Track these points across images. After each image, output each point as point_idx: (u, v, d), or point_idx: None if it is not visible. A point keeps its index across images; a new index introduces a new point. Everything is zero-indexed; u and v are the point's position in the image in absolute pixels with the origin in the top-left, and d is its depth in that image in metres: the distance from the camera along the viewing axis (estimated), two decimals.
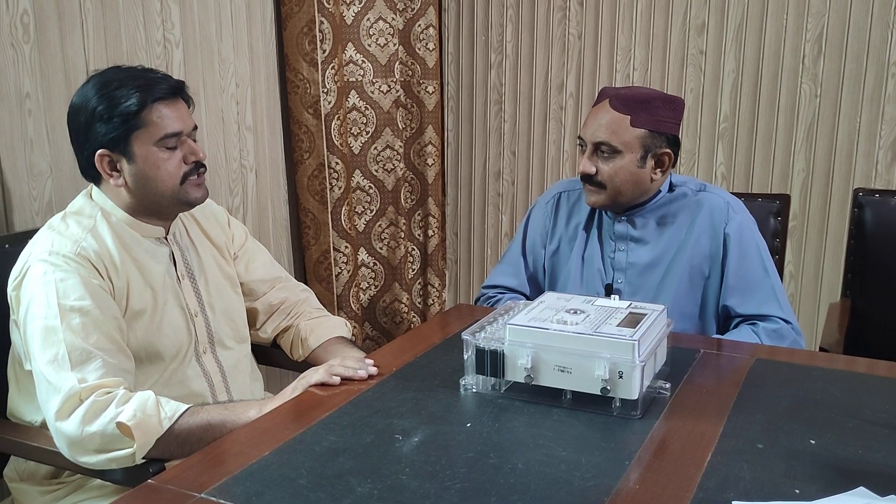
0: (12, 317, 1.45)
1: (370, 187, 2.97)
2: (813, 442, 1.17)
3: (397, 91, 2.96)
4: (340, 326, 1.77)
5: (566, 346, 1.28)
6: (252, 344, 1.74)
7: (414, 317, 3.20)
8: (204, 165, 1.51)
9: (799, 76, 2.63)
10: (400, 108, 3.00)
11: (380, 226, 3.02)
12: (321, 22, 2.62)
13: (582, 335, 1.27)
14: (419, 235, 3.20)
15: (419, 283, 3.24)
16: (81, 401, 1.30)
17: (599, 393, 1.26)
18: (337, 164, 2.75)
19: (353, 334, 2.32)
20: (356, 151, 2.91)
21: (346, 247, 2.84)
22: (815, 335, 2.64)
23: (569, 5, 2.92)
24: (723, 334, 1.77)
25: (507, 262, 1.98)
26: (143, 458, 1.31)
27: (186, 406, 1.35)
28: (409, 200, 3.13)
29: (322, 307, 1.84)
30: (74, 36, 1.94)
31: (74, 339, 1.34)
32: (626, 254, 1.81)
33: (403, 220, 3.05)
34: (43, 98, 1.87)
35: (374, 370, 1.42)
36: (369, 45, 2.85)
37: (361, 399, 1.33)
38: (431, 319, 2.61)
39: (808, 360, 1.54)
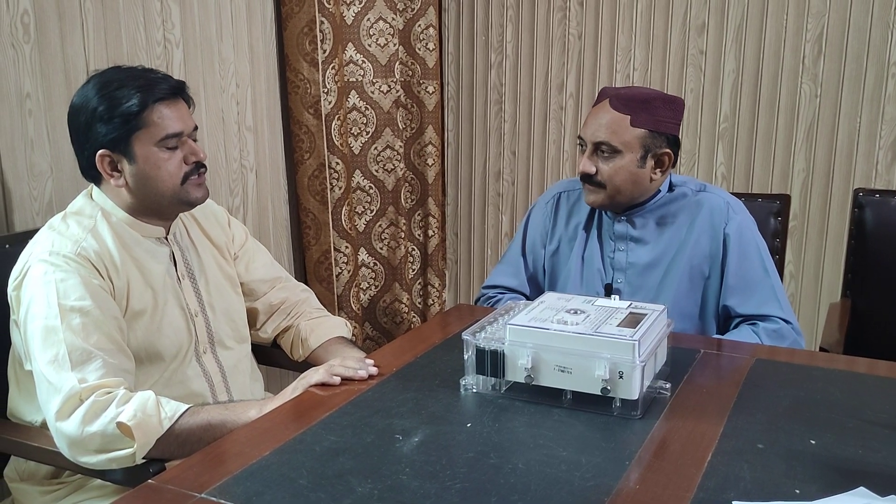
0: (12, 317, 1.45)
1: (370, 187, 2.97)
2: (813, 442, 1.17)
3: (397, 91, 2.96)
4: (341, 326, 1.77)
5: (566, 346, 1.28)
6: (252, 344, 1.74)
7: (414, 317, 3.20)
8: (204, 166, 1.51)
9: (799, 76, 2.63)
10: (400, 109, 3.00)
11: (380, 226, 3.02)
12: (321, 22, 2.62)
13: (582, 335, 1.27)
14: (419, 235, 3.20)
15: (419, 284, 3.24)
16: (82, 401, 1.30)
17: (600, 393, 1.26)
18: (337, 164, 2.75)
19: (353, 334, 2.32)
20: (356, 151, 2.91)
21: (347, 247, 2.84)
22: (816, 335, 2.64)
23: (569, 5, 2.92)
24: (723, 334, 1.77)
25: (506, 263, 1.98)
26: (143, 458, 1.31)
27: (187, 406, 1.35)
28: (409, 200, 3.13)
29: (322, 307, 1.84)
30: (75, 36, 1.94)
31: (75, 339, 1.34)
32: (626, 254, 1.81)
33: (403, 221, 3.05)
34: (43, 98, 1.87)
35: (374, 370, 1.42)
36: (369, 46, 2.85)
37: (362, 399, 1.33)
38: (432, 319, 2.61)
39: (809, 361, 1.54)
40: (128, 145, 1.43)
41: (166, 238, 1.56)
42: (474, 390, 1.35)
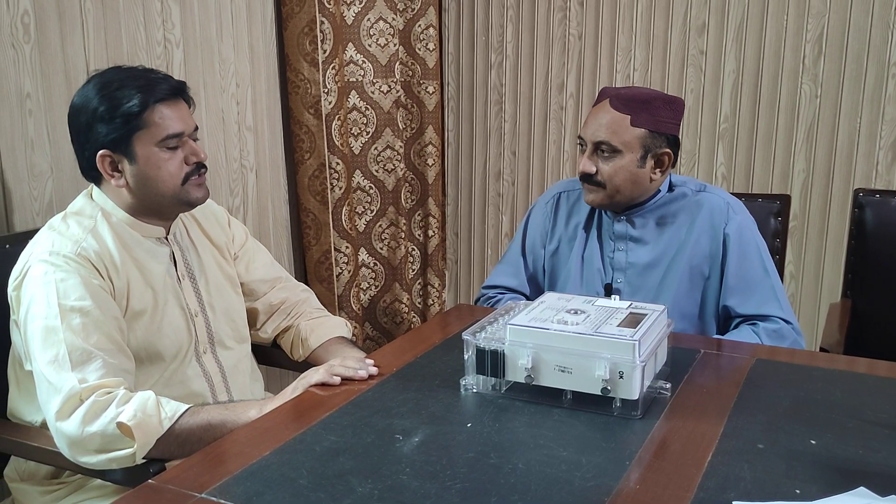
0: (13, 317, 1.45)
1: (370, 187, 2.97)
2: (813, 442, 1.17)
3: (398, 91, 2.96)
4: (341, 326, 1.77)
5: (567, 346, 1.28)
6: (252, 344, 1.74)
7: (414, 317, 3.20)
8: (205, 166, 1.51)
9: (799, 77, 2.63)
10: (400, 109, 3.00)
11: (380, 226, 3.02)
12: (322, 22, 2.62)
13: (582, 335, 1.27)
14: (419, 235, 3.20)
15: (419, 284, 3.24)
16: (82, 401, 1.30)
17: (600, 393, 1.26)
18: (338, 164, 2.75)
19: (353, 334, 2.32)
20: (356, 152, 2.91)
21: (347, 247, 2.84)
22: (816, 335, 2.64)
23: (569, 6, 2.92)
24: (723, 334, 1.77)
25: (506, 263, 1.98)
26: (143, 458, 1.31)
27: (187, 406, 1.35)
28: (409, 200, 3.13)
29: (322, 307, 1.84)
30: (75, 36, 1.94)
31: (75, 339, 1.34)
32: (626, 254, 1.81)
33: (404, 221, 3.05)
34: (43, 98, 1.87)
35: (374, 370, 1.42)
36: (370, 46, 2.85)
37: (362, 399, 1.33)
38: (432, 320, 2.61)
39: (809, 361, 1.54)
40: (128, 145, 1.43)
41: (166, 238, 1.56)
42: (474, 390, 1.35)
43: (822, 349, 1.91)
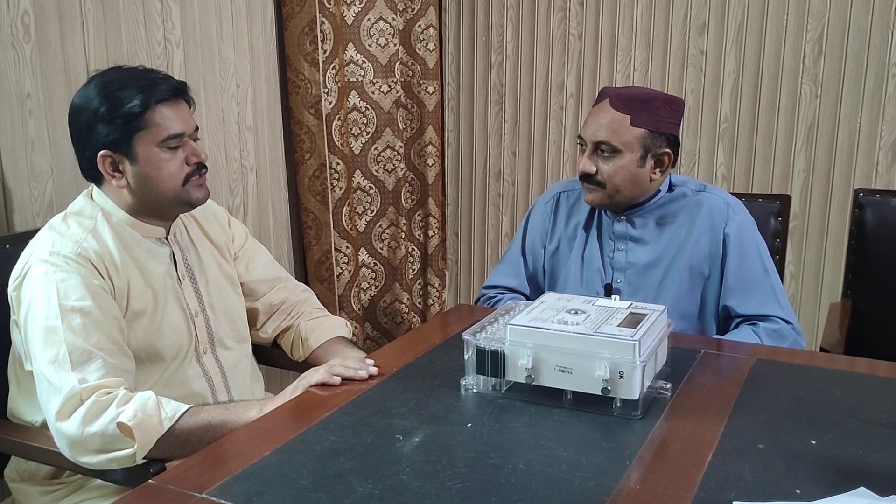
0: (13, 317, 1.45)
1: (371, 188, 2.97)
2: (814, 442, 1.17)
3: (398, 91, 2.96)
4: (341, 326, 1.77)
5: (567, 346, 1.28)
6: (252, 344, 1.74)
7: (414, 317, 3.20)
8: (206, 166, 1.52)
9: (799, 77, 2.63)
10: (400, 109, 3.00)
11: (380, 226, 3.02)
12: (322, 22, 2.62)
13: (583, 335, 1.27)
14: (419, 236, 3.20)
15: (419, 284, 3.24)
16: (82, 401, 1.30)
17: (600, 393, 1.26)
18: (338, 164, 2.75)
19: (353, 335, 2.32)
20: (357, 152, 2.91)
21: (348, 247, 2.84)
22: (816, 335, 2.64)
23: (569, 6, 2.92)
24: (723, 335, 1.77)
25: (506, 263, 1.98)
26: (143, 458, 1.31)
27: (187, 406, 1.35)
28: (409, 201, 3.13)
29: (322, 307, 1.84)
30: (75, 36, 1.94)
31: (75, 339, 1.34)
32: (626, 253, 1.81)
33: (404, 221, 3.05)
34: (44, 98, 1.87)
35: (374, 370, 1.42)
36: (370, 46, 2.85)
37: (362, 399, 1.33)
38: (432, 320, 2.61)
39: (809, 361, 1.54)
40: (129, 146, 1.43)
41: (166, 238, 1.56)
42: (475, 390, 1.35)
43: (822, 349, 1.91)
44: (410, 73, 3.01)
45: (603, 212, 1.84)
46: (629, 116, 1.70)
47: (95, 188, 1.51)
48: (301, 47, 2.60)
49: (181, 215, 1.59)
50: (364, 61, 2.84)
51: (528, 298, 1.93)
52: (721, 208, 1.78)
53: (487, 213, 3.24)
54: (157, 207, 1.50)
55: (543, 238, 1.92)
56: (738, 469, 1.09)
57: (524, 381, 1.31)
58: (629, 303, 1.42)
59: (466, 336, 1.36)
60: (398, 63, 2.95)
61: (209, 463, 1.13)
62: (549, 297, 1.47)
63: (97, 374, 1.33)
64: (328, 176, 2.74)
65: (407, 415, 1.26)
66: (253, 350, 1.74)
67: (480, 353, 1.34)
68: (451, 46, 3.16)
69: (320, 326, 1.74)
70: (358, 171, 2.93)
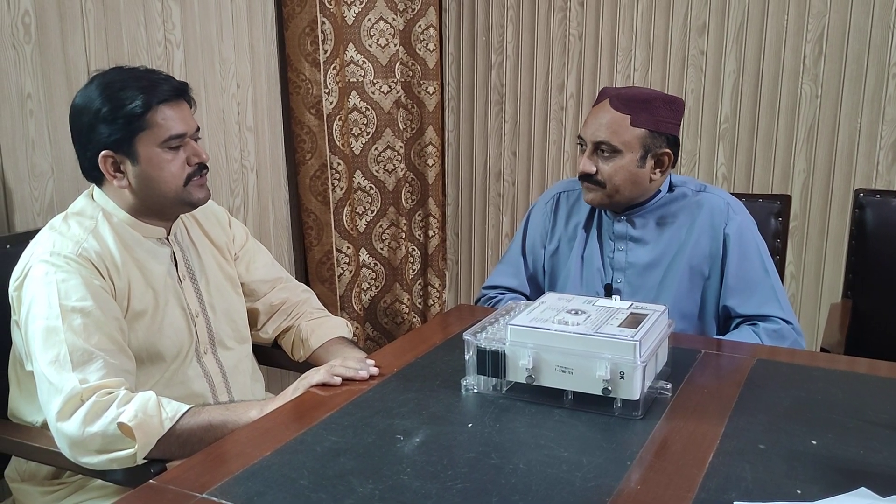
0: (13, 317, 1.45)
1: (371, 188, 2.97)
2: (814, 442, 1.17)
3: (398, 91, 2.96)
4: (341, 327, 1.77)
5: (567, 346, 1.28)
6: (253, 344, 1.74)
7: (414, 317, 3.20)
8: (207, 167, 1.52)
9: (800, 77, 2.63)
10: (400, 109, 3.00)
11: (380, 226, 3.02)
12: (322, 22, 2.62)
13: (583, 335, 1.27)
14: (420, 236, 3.20)
15: (420, 284, 3.24)
16: (83, 401, 1.30)
17: (601, 393, 1.26)
18: (339, 164, 2.75)
19: (354, 335, 2.32)
20: (357, 152, 2.91)
21: (348, 247, 2.84)
22: (816, 336, 2.64)
23: (569, 6, 2.93)
24: (723, 335, 1.77)
25: (507, 263, 1.98)
26: (144, 458, 1.31)
27: (188, 406, 1.35)
28: (409, 201, 3.13)
29: (323, 307, 1.84)
30: (76, 36, 1.94)
31: (76, 339, 1.34)
32: (626, 254, 1.81)
33: (404, 221, 3.05)
34: (44, 99, 1.87)
35: (375, 370, 1.42)
36: (370, 46, 2.85)
37: (362, 399, 1.33)
38: (432, 320, 2.61)
39: (810, 361, 1.54)
40: (131, 146, 1.43)
41: (167, 238, 1.56)
42: (475, 391, 1.35)
43: (822, 349, 1.91)
44: (411, 73, 3.01)
45: (603, 212, 1.84)
46: (629, 116, 1.70)
47: (96, 188, 1.51)
48: (302, 47, 2.60)
49: (182, 216, 1.59)
50: (364, 61, 2.84)
51: (528, 299, 1.93)
52: (721, 208, 1.78)
53: (487, 213, 3.24)
54: (159, 208, 1.50)
55: (543, 238, 1.92)
56: (739, 469, 1.09)
57: (525, 382, 1.31)
58: (630, 303, 1.42)
59: (467, 336, 1.36)
60: (398, 63, 2.95)
61: (210, 463, 1.13)
62: (549, 298, 1.47)
63: (98, 374, 1.33)
64: (329, 176, 2.74)
65: (408, 415, 1.26)
66: (253, 350, 1.74)
67: (481, 353, 1.34)
68: (451, 47, 3.16)
69: (321, 327, 1.74)
70: (358, 172, 2.93)
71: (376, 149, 2.95)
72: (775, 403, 1.31)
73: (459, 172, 3.26)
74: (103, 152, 1.43)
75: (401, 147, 2.99)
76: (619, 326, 1.30)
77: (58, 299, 1.35)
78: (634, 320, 1.32)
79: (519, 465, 1.10)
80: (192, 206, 1.52)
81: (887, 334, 2.17)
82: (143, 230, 1.51)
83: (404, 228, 3.05)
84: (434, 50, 3.00)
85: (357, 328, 2.91)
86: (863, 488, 1.04)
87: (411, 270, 3.17)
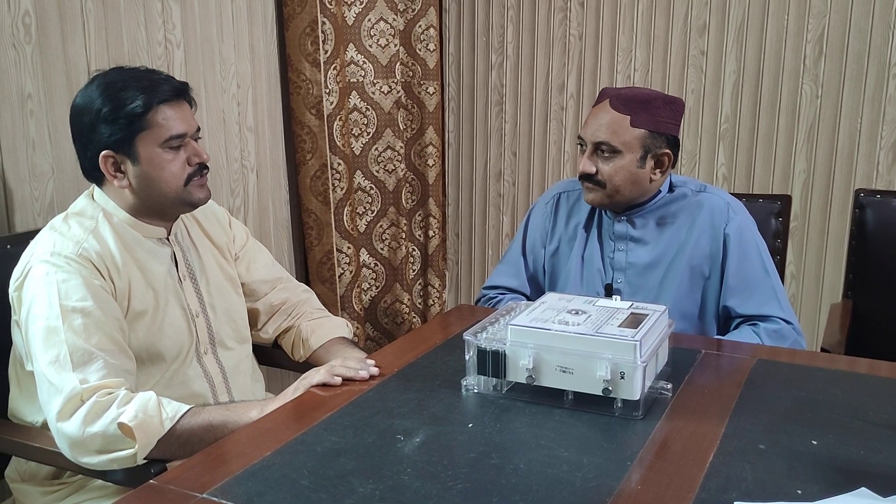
0: (14, 317, 1.45)
1: (371, 188, 2.97)
2: (815, 442, 1.17)
3: (398, 92, 2.96)
4: (342, 327, 1.77)
5: (568, 346, 1.28)
6: (253, 344, 1.74)
7: (414, 317, 3.20)
8: (207, 167, 1.52)
9: (800, 77, 2.63)
10: (401, 109, 3.00)
11: (381, 226, 3.02)
12: (323, 22, 2.62)
13: (583, 336, 1.27)
14: (420, 236, 3.20)
15: (420, 284, 3.24)
16: (83, 401, 1.30)
17: (601, 393, 1.26)
18: (339, 164, 2.75)
19: (355, 335, 2.32)
20: (357, 152, 2.91)
21: (349, 247, 2.84)
22: (817, 336, 2.64)
23: (569, 6, 2.93)
24: (723, 335, 1.77)
25: (507, 263, 1.98)
26: (144, 458, 1.31)
27: (188, 406, 1.35)
28: (409, 201, 3.13)
29: (323, 308, 1.84)
30: (76, 37, 1.94)
31: (76, 339, 1.34)
32: (626, 254, 1.81)
33: (404, 221, 3.05)
34: (45, 99, 1.87)
35: (375, 371, 1.42)
36: (370, 46, 2.85)
37: (363, 399, 1.33)
38: (433, 320, 2.61)
39: (810, 361, 1.54)
40: (132, 146, 1.43)
41: (168, 239, 1.56)
42: (475, 391, 1.35)
43: (823, 349, 1.91)
44: (411, 73, 3.01)
45: (603, 212, 1.84)
46: (629, 117, 1.70)
47: (96, 188, 1.51)
48: (302, 48, 2.60)
49: (182, 216, 1.59)
50: (364, 62, 2.84)
51: (528, 299, 1.93)
52: (721, 209, 1.78)
53: (488, 213, 3.24)
54: (159, 208, 1.50)
55: (544, 238, 1.92)
56: (740, 469, 1.09)
57: (525, 382, 1.31)
58: (630, 303, 1.42)
59: (467, 336, 1.36)
60: (399, 63, 2.95)
61: (210, 463, 1.13)
62: (549, 298, 1.47)
63: (98, 374, 1.33)
64: (329, 176, 2.74)
65: (408, 415, 1.26)
66: (254, 350, 1.74)
67: (481, 353, 1.34)
68: (451, 47, 3.16)
69: (321, 327, 1.74)
70: (359, 172, 2.93)
71: (376, 149, 2.95)
72: (776, 403, 1.31)
73: (460, 173, 3.26)
74: (104, 152, 1.43)
75: (401, 147, 2.99)
76: (619, 326, 1.30)
77: (58, 299, 1.35)
78: (635, 320, 1.32)
79: (519, 466, 1.10)
80: (193, 206, 1.52)
81: (887, 334, 2.17)
82: (144, 230, 1.51)
83: (404, 228, 3.05)
84: (434, 50, 3.01)
85: (357, 328, 2.91)
86: (863, 488, 1.04)
87: (411, 270, 3.17)
